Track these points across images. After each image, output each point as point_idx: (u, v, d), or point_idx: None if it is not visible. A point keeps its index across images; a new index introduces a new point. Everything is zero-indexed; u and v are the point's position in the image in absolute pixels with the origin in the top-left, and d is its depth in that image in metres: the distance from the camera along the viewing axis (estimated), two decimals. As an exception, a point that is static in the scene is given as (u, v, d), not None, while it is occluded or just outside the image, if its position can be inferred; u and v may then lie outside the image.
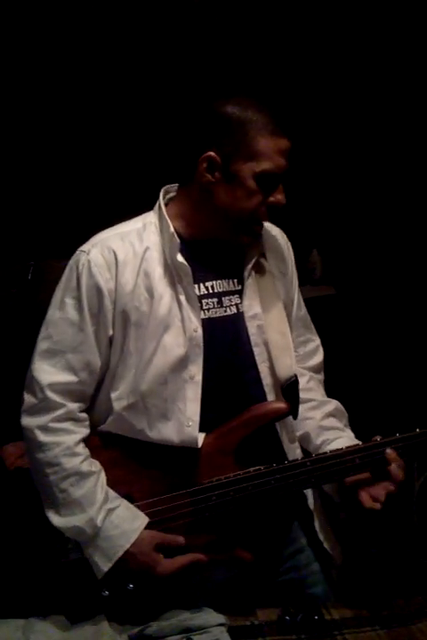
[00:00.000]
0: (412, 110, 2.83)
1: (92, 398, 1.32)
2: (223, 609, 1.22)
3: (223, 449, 1.27)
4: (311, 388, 1.47)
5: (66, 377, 1.26)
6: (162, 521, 1.23)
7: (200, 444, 1.26)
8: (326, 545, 1.40)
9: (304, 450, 1.43)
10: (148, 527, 1.23)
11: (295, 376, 1.35)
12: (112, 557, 1.19)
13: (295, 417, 1.35)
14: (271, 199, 1.28)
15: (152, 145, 2.87)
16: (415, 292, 2.86)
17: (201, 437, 1.27)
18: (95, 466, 1.26)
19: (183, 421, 1.26)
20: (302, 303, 1.52)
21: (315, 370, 1.51)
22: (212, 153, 1.26)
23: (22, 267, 2.64)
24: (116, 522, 1.21)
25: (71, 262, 1.32)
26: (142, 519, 1.23)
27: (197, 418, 1.26)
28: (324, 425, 1.41)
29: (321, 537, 1.40)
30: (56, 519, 1.23)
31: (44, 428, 1.25)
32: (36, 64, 2.74)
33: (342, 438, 1.36)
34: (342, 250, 3.06)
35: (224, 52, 2.71)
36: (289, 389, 1.33)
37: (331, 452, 1.27)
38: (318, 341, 1.53)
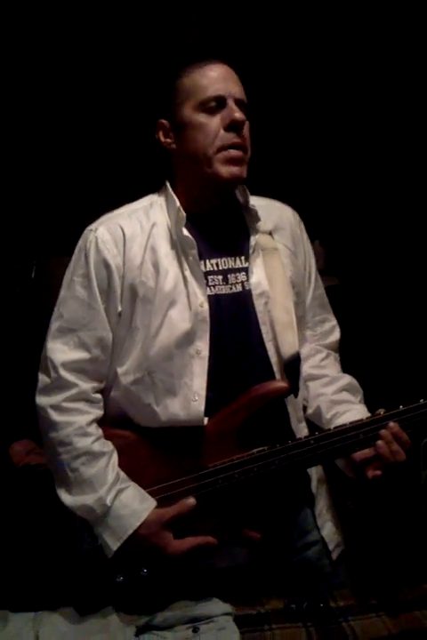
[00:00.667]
0: (415, 103, 2.81)
1: None
2: (229, 598, 1.23)
3: (226, 431, 1.27)
4: (326, 365, 1.46)
5: (79, 354, 1.28)
6: (168, 506, 1.23)
7: (206, 422, 1.27)
8: (323, 532, 1.39)
9: (315, 426, 1.42)
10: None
11: (298, 353, 1.35)
12: (121, 536, 1.20)
13: (296, 395, 1.35)
14: (226, 120, 1.29)
15: (154, 142, 2.88)
16: (419, 283, 2.85)
17: (205, 420, 1.28)
18: (107, 446, 1.27)
19: (190, 396, 1.27)
20: (320, 283, 1.51)
21: (332, 348, 1.51)
22: (159, 120, 1.36)
23: (25, 266, 2.65)
24: (126, 501, 1.22)
25: (79, 242, 1.34)
26: (151, 501, 1.24)
27: (203, 393, 1.27)
28: (335, 399, 1.39)
29: (319, 523, 1.40)
30: (67, 498, 1.24)
31: (57, 408, 1.26)
32: (36, 64, 2.75)
33: (351, 411, 1.34)
34: (345, 240, 3.05)
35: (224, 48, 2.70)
36: (291, 367, 1.33)
37: (334, 428, 1.26)
38: (334, 321, 1.53)
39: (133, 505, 1.22)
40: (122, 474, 1.26)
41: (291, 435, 1.34)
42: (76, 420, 1.26)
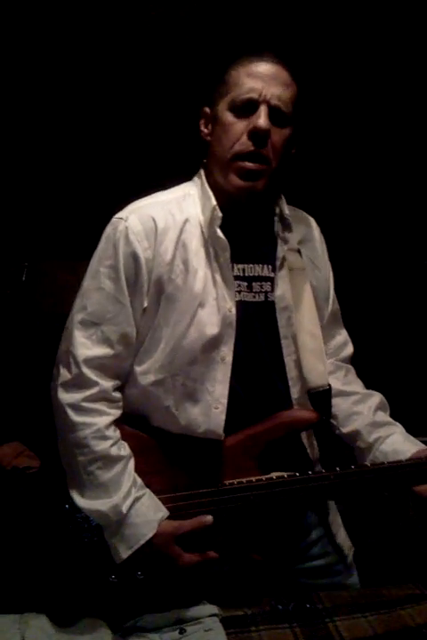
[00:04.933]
0: (408, 110, 2.83)
1: None
2: (216, 599, 1.23)
3: (248, 452, 1.26)
4: (351, 381, 1.44)
5: (102, 350, 1.23)
6: (181, 517, 1.22)
7: (223, 437, 1.25)
8: (338, 540, 1.40)
9: (347, 448, 1.41)
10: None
11: (329, 385, 1.33)
12: (133, 545, 1.17)
13: (324, 428, 1.34)
14: (249, 126, 1.22)
15: (151, 141, 2.87)
16: (406, 284, 2.87)
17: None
18: (124, 450, 1.23)
19: (211, 403, 1.24)
20: (336, 298, 1.48)
21: (348, 362, 1.48)
22: (205, 108, 1.31)
23: (17, 268, 2.65)
24: (141, 510, 1.18)
25: (108, 229, 1.28)
26: (165, 511, 1.21)
27: (224, 401, 1.25)
28: (376, 420, 1.37)
29: (334, 531, 1.40)
30: (80, 500, 1.20)
31: (76, 407, 1.21)
32: (33, 62, 2.74)
33: (395, 434, 1.34)
34: (332, 244, 3.07)
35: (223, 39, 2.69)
36: (319, 397, 1.31)
37: (355, 467, 1.24)
38: (346, 334, 1.49)
39: (148, 514, 1.19)
40: (138, 480, 1.22)
41: (303, 451, 1.34)
42: (94, 421, 1.21)
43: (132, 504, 1.18)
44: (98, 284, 1.24)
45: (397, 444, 1.31)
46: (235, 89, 1.24)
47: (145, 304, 1.24)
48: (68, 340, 1.25)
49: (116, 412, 1.25)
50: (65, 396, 1.22)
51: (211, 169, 1.31)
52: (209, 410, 1.24)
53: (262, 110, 1.22)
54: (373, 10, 2.54)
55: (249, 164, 1.23)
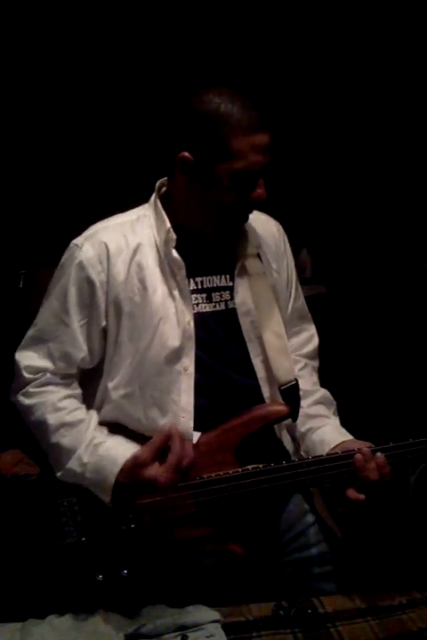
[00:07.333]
0: (406, 116, 2.85)
1: (92, 387, 1.36)
2: (217, 604, 1.23)
3: (224, 447, 1.29)
4: (302, 376, 1.47)
5: (44, 363, 1.32)
6: (165, 511, 1.24)
7: (195, 440, 1.29)
8: (328, 522, 1.44)
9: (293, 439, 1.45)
10: (152, 519, 1.24)
11: (296, 380, 1.37)
12: (107, 487, 1.22)
13: (295, 419, 1.37)
14: (251, 195, 1.28)
15: (141, 153, 2.88)
16: (406, 288, 2.88)
17: (196, 435, 1.30)
18: (83, 414, 1.31)
19: (178, 413, 1.30)
20: (300, 293, 1.53)
21: (309, 356, 1.52)
22: (185, 153, 1.26)
23: (14, 275, 2.65)
24: (103, 453, 1.24)
25: (65, 254, 1.36)
26: (130, 445, 1.26)
27: (191, 409, 1.30)
28: (310, 413, 1.42)
29: (323, 515, 1.44)
30: (58, 473, 1.27)
31: (26, 394, 1.32)
32: (26, 75, 2.75)
33: (326, 426, 1.39)
34: (331, 248, 3.08)
35: (206, 47, 2.72)
36: (289, 392, 1.36)
37: (327, 454, 1.29)
38: (312, 330, 1.54)
39: (111, 453, 1.24)
40: (103, 430, 1.29)
41: (278, 444, 1.37)
42: (46, 399, 1.30)
43: (94, 450, 1.24)
44: (48, 304, 1.34)
45: (325, 434, 1.36)
46: (240, 161, 1.23)
47: (103, 323, 1.32)
48: (17, 351, 1.36)
49: (68, 391, 1.33)
50: (16, 396, 1.34)
51: (181, 202, 1.33)
52: (177, 420, 1.30)
53: (261, 181, 1.29)
54: (371, 15, 2.57)
55: (240, 225, 1.36)
